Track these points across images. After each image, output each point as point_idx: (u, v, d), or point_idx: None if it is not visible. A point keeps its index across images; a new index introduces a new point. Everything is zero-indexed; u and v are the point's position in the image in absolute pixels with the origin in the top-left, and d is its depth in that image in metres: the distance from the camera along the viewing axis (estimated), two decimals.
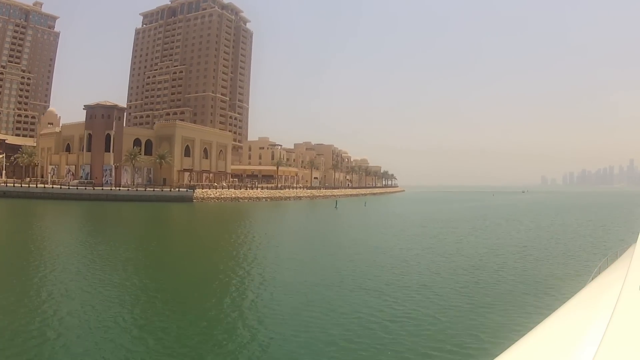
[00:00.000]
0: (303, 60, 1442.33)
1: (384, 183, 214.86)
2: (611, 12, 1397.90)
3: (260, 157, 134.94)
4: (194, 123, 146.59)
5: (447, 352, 9.80)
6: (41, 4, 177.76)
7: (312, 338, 10.86)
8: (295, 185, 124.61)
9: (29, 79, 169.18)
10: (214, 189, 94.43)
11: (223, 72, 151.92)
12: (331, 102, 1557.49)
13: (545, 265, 21.16)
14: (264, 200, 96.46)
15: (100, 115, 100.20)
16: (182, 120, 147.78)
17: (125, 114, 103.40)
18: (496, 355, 2.81)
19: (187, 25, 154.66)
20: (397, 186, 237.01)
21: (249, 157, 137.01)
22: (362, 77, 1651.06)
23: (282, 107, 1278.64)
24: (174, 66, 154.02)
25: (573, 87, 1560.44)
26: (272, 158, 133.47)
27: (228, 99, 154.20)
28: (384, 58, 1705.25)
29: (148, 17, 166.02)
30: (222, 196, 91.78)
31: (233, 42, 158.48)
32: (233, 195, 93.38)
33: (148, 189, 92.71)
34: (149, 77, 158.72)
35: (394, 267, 20.47)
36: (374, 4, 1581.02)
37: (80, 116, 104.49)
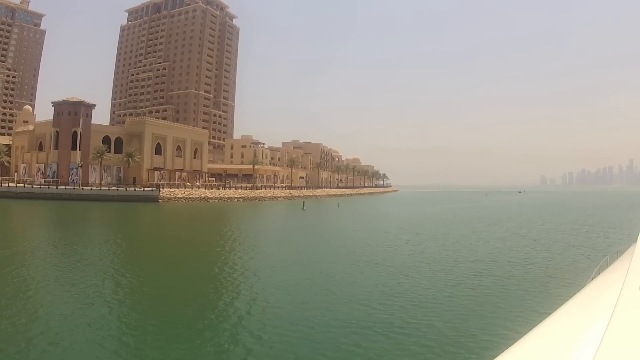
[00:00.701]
0: (303, 59, 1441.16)
1: (376, 183, 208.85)
2: (611, 11, 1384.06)
3: (242, 156, 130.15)
4: (177, 121, 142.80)
5: (447, 353, 9.82)
6: (28, 2, 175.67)
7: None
8: (276, 184, 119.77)
9: (14, 77, 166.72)
10: (183, 189, 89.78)
11: (207, 69, 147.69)
12: (330, 101, 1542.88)
13: (545, 265, 21.05)
14: (235, 200, 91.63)
15: (67, 112, 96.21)
16: (165, 118, 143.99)
17: (92, 110, 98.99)
18: (496, 355, 2.73)
19: (171, 21, 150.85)
20: (391, 186, 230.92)
21: (231, 156, 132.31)
22: (362, 76, 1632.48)
23: (280, 106, 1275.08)
24: (157, 63, 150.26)
25: (573, 87, 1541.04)
26: (254, 157, 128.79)
27: (212, 96, 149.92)
28: (383, 57, 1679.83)
29: (133, 13, 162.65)
30: (191, 196, 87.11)
31: (218, 38, 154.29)
32: (202, 195, 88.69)
33: (113, 188, 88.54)
34: (132, 75, 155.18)
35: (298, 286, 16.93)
36: (374, 1, 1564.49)
37: None
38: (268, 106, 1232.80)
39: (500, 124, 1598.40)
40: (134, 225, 45.71)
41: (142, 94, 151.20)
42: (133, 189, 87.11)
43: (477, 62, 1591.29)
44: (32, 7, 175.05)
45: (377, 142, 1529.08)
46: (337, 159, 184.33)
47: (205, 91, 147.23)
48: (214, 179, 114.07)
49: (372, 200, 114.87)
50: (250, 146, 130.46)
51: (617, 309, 2.90)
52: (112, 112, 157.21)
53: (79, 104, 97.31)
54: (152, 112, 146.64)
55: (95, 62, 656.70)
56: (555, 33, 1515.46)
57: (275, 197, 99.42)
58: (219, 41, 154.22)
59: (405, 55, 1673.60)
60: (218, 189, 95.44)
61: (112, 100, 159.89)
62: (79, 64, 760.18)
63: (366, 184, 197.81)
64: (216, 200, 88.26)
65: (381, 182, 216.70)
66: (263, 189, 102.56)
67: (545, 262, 22.03)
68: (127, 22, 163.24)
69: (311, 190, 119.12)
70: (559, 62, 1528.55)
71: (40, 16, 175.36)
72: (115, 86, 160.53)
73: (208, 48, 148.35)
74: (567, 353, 2.71)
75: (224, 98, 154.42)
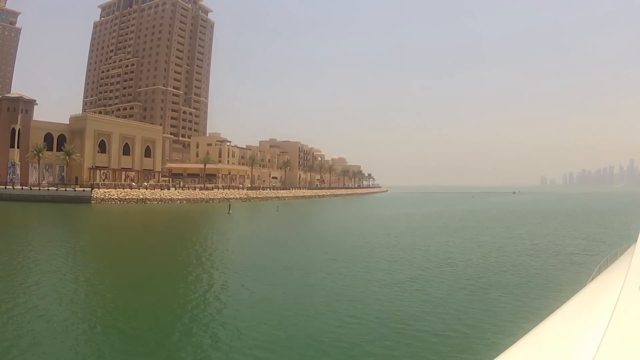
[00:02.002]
0: (293, 58, 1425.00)
1: (360, 183, 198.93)
2: (611, 11, 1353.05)
3: (207, 154, 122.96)
4: (144, 119, 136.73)
5: (447, 353, 9.74)
6: (5, 0, 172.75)
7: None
8: (240, 185, 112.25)
9: None
10: (120, 189, 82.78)
11: (176, 64, 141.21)
12: (320, 101, 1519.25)
13: (545, 266, 20.66)
14: (178, 202, 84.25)
15: (5, 109, 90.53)
16: (132, 116, 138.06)
17: (33, 106, 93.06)
18: (496, 356, 2.73)
19: (141, 15, 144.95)
20: (380, 186, 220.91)
21: (197, 155, 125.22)
22: (355, 76, 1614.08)
23: (266, 105, 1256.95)
24: (127, 59, 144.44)
25: (573, 87, 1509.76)
26: (219, 155, 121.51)
27: (182, 92, 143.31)
28: (378, 55, 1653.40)
29: (106, 9, 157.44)
30: (127, 197, 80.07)
31: (191, 32, 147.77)
32: (140, 197, 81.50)
33: (52, 188, 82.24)
34: (103, 72, 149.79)
35: None
36: None
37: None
38: (253, 104, 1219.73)
39: (500, 123, 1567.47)
40: (34, 229, 39.41)
41: (111, 91, 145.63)
42: (72, 189, 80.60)
43: (480, 61, 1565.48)
44: (8, 6, 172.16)
45: (370, 142, 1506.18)
46: (319, 158, 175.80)
47: (175, 87, 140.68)
48: (169, 179, 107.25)
49: (340, 202, 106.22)
50: (215, 144, 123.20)
51: (617, 309, 2.88)
52: (84, 110, 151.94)
53: (18, 100, 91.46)
54: (119, 110, 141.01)
55: (72, 59, 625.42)
56: (555, 32, 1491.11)
57: (227, 198, 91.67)
58: (192, 35, 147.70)
59: (402, 53, 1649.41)
60: (162, 189, 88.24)
61: (83, 98, 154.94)
62: (55, 61, 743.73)
63: (351, 185, 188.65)
64: (155, 202, 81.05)
65: (368, 183, 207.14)
66: (215, 190, 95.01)
67: (546, 262, 21.42)
68: (100, 18, 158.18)
69: (275, 191, 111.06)
70: (560, 61, 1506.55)
71: (15, 14, 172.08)
72: (87, 84, 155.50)
73: (178, 42, 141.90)
74: (567, 353, 2.69)
75: (195, 94, 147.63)
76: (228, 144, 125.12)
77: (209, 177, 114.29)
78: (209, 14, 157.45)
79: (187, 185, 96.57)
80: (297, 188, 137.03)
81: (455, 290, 15.56)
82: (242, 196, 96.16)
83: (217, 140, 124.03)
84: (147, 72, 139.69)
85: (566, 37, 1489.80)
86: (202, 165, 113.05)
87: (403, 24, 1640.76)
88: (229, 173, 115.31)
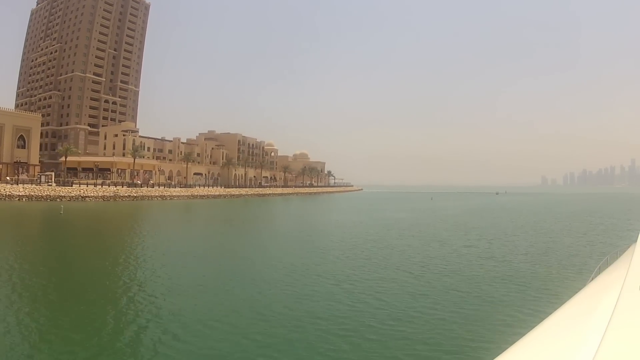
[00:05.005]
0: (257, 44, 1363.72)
1: (329, 182, 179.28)
2: (611, 10, 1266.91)
3: (114, 147, 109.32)
4: (62, 108, 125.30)
5: (447, 353, 9.74)
6: None
7: None
8: (141, 181, 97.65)
9: None
10: None
11: (98, 49, 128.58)
12: (292, 94, 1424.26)
13: (545, 266, 20.35)
14: (17, 199, 70.54)
15: None
16: (50, 106, 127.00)
17: None
18: (496, 355, 2.72)
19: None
20: (352, 185, 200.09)
21: (104, 147, 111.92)
22: (343, 73, 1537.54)
23: (225, 97, 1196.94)
24: (52, 45, 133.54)
25: (573, 86, 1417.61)
26: (124, 148, 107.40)
27: (106, 80, 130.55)
28: (372, 52, 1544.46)
29: None
30: None
31: (120, 14, 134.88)
32: None
33: None
34: (32, 61, 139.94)
35: None
36: None
37: None
38: (211, 96, 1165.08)
39: (500, 123, 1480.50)
40: None
41: (36, 80, 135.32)
42: None
43: (481, 61, 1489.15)
44: None
45: (349, 141, 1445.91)
46: (272, 154, 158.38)
47: (96, 74, 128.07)
48: (53, 172, 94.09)
49: (272, 204, 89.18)
50: (121, 135, 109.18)
51: (617, 309, 2.87)
52: (16, 103, 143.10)
53: None
54: (40, 100, 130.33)
55: (8, 49, 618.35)
56: (555, 31, 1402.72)
57: (82, 196, 76.97)
58: (121, 18, 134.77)
59: (389, 50, 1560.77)
60: (32, 184, 75.96)
61: (17, 89, 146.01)
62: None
63: (315, 183, 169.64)
64: None
65: (334, 181, 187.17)
66: (76, 186, 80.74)
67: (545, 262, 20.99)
68: (37, 5, 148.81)
69: (180, 189, 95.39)
70: (559, 60, 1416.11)
71: None
72: (20, 74, 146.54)
73: (102, 25, 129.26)
74: (567, 353, 2.68)
75: (122, 82, 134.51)
76: (134, 134, 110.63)
77: (102, 172, 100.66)
78: None
79: (68, 181, 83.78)
80: (234, 186, 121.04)
81: (455, 291, 15.45)
82: (108, 194, 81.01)
83: (122, 131, 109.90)
84: (68, 58, 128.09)
85: (567, 35, 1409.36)
86: (98, 158, 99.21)
87: (402, 12, 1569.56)
88: (129, 167, 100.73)
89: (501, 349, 2.90)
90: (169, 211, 61.97)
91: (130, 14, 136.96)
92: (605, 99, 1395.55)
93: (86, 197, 77.61)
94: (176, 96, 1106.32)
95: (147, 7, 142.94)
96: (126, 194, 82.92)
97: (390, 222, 44.97)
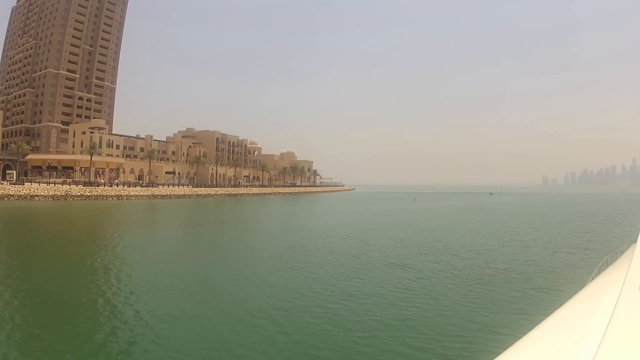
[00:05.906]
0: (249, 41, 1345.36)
1: (315, 181, 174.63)
2: (610, 9, 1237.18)
3: (82, 145, 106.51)
4: (35, 105, 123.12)
5: (447, 353, 9.68)
6: None
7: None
8: (105, 180, 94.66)
9: None
10: None
11: (73, 45, 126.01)
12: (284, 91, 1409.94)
13: (545, 266, 20.32)
14: None
15: None
16: (24, 104, 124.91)
17: None
18: (496, 355, 2.72)
19: None
20: (343, 185, 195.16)
21: (73, 145, 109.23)
22: (341, 74, 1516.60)
23: (213, 95, 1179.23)
24: (28, 42, 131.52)
25: (574, 86, 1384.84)
26: (89, 145, 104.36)
27: (80, 76, 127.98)
28: (373, 52, 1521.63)
29: None
30: None
31: (96, 9, 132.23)
32: None
33: None
34: (10, 58, 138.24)
35: None
36: None
37: None
38: (196, 95, 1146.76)
39: (500, 123, 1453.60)
40: None
41: (13, 78, 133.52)
42: None
43: (482, 60, 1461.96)
44: None
45: (367, 140, 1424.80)
46: (254, 152, 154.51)
47: (70, 70, 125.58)
48: (15, 172, 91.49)
49: (241, 205, 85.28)
50: (88, 132, 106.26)
51: (617, 309, 2.87)
52: None
53: None
54: (15, 98, 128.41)
55: None
56: (555, 30, 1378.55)
57: (31, 195, 73.90)
58: (97, 13, 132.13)
59: (387, 49, 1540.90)
60: None
61: None
62: None
63: (305, 183, 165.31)
64: None
65: (321, 180, 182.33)
66: (43, 185, 78.15)
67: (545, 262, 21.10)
68: (17, 2, 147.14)
69: (146, 188, 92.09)
70: (560, 60, 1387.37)
71: None
72: (0, 72, 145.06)
73: (76, 21, 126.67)
74: (567, 353, 2.69)
75: (97, 78, 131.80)
76: (101, 131, 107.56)
77: (66, 171, 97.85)
78: None
79: (21, 179, 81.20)
80: (210, 185, 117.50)
81: (455, 290, 15.50)
82: (59, 193, 77.81)
83: (89, 128, 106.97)
84: (42, 54, 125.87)
85: (567, 35, 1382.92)
86: (62, 156, 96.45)
87: (401, 11, 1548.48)
88: (93, 165, 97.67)
89: (501, 349, 2.86)
90: (112, 213, 58.01)
91: (107, 9, 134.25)
92: (606, 99, 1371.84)
93: (35, 196, 74.51)
94: (166, 95, 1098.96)
95: (124, 2, 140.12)
96: (78, 193, 79.57)
97: (338, 227, 39.16)
